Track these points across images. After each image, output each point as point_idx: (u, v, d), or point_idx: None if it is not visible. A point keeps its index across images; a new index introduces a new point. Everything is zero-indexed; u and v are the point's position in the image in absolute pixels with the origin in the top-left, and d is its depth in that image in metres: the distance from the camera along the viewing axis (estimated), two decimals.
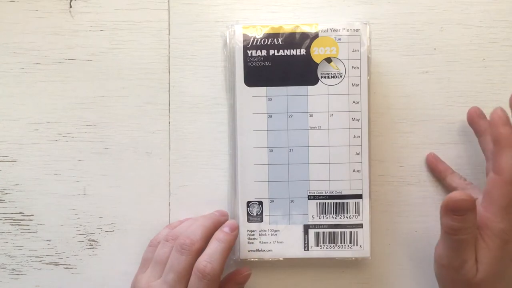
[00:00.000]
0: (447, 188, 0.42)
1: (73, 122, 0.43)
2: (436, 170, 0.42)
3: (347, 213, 0.40)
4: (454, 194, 0.33)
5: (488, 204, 0.35)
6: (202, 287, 0.36)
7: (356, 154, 0.40)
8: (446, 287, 0.37)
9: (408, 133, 0.43)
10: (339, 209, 0.40)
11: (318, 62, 0.40)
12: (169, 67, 0.43)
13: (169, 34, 0.43)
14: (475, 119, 0.41)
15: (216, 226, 0.40)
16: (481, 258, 0.35)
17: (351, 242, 0.40)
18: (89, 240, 0.43)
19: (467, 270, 0.35)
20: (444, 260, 0.36)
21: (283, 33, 0.40)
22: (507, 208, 0.34)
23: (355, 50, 0.40)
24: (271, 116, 0.40)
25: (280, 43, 0.40)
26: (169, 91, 0.43)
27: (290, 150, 0.40)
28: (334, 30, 0.40)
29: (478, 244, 0.35)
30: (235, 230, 0.39)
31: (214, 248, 0.37)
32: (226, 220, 0.41)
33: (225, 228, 0.39)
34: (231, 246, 0.38)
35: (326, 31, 0.40)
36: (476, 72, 0.43)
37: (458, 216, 0.33)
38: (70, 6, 0.43)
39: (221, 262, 0.37)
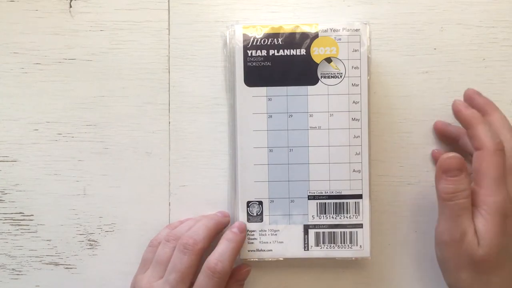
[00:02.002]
0: (461, 152, 0.40)
1: (73, 122, 0.43)
2: (447, 134, 0.42)
3: (347, 213, 0.40)
4: (445, 154, 0.36)
5: (479, 180, 0.35)
6: (211, 285, 0.36)
7: (356, 154, 0.40)
8: (450, 271, 0.37)
9: (408, 133, 0.43)
10: (339, 209, 0.40)
11: (318, 62, 0.40)
12: (169, 67, 0.43)
13: (169, 34, 0.43)
14: (443, 129, 0.42)
15: (218, 227, 0.40)
16: (482, 233, 0.35)
17: (351, 242, 0.40)
18: (89, 240, 0.43)
19: (468, 243, 0.35)
20: (445, 236, 0.36)
21: (283, 33, 0.40)
22: (498, 179, 0.35)
23: (355, 50, 0.40)
24: (271, 116, 0.40)
25: (280, 43, 0.40)
26: (169, 91, 0.43)
27: (290, 150, 0.40)
28: (334, 30, 0.40)
29: (477, 220, 0.35)
30: (244, 231, 0.39)
31: (225, 247, 0.38)
32: (228, 221, 0.41)
33: (235, 229, 0.39)
34: (240, 246, 0.39)
35: (326, 31, 0.40)
36: (476, 72, 0.43)
37: (452, 178, 0.35)
38: (70, 6, 0.43)
39: (230, 261, 0.37)
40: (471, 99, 0.40)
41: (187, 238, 0.37)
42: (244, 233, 0.39)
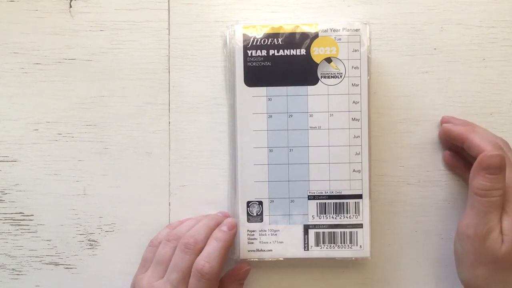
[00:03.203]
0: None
1: (73, 122, 0.43)
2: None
3: (347, 213, 0.40)
4: (488, 152, 0.36)
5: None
6: (201, 287, 0.36)
7: (356, 154, 0.40)
8: (468, 265, 0.37)
9: (408, 133, 0.43)
10: (339, 209, 0.40)
11: (318, 62, 0.40)
12: (169, 67, 0.43)
13: (169, 34, 0.43)
14: (453, 162, 0.42)
15: (217, 223, 0.40)
16: (507, 231, 0.35)
17: (351, 242, 0.40)
18: (89, 240, 0.43)
19: (492, 240, 0.35)
20: (470, 230, 0.36)
21: (283, 33, 0.40)
22: None
23: (355, 50, 0.40)
24: (271, 116, 0.40)
25: (280, 43, 0.40)
26: (169, 91, 0.43)
27: (290, 150, 0.40)
28: (334, 30, 0.40)
29: (504, 218, 0.35)
30: (233, 228, 0.39)
31: (212, 247, 0.37)
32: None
33: (223, 227, 0.39)
34: (229, 244, 0.38)
35: (326, 31, 0.40)
36: (476, 72, 0.43)
37: (490, 176, 0.35)
38: (70, 6, 0.43)
39: (219, 261, 0.37)
40: (451, 122, 0.41)
41: (188, 237, 0.37)
42: (234, 230, 0.39)
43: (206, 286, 0.36)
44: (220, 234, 0.38)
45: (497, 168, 0.35)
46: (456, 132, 0.39)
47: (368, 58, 0.40)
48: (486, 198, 0.35)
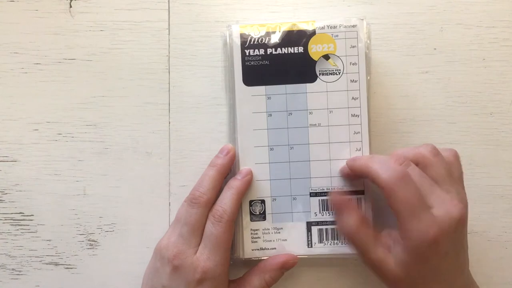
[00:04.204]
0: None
1: (73, 122, 0.43)
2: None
3: None
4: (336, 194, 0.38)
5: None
6: (216, 230, 0.37)
7: (357, 150, 0.40)
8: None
9: (408, 133, 0.43)
10: None
11: (316, 60, 0.40)
12: (169, 67, 0.43)
13: (169, 34, 0.43)
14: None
15: (221, 171, 0.39)
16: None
17: None
18: (89, 240, 0.43)
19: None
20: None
21: (280, 32, 0.40)
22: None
23: (353, 46, 0.40)
24: (270, 115, 0.40)
25: (278, 41, 0.40)
26: (169, 91, 0.43)
27: (291, 148, 0.40)
28: (331, 27, 0.40)
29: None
30: (246, 175, 0.40)
31: (225, 194, 0.39)
32: (230, 160, 0.40)
33: (238, 176, 0.40)
34: (242, 190, 0.39)
35: (323, 28, 0.40)
36: (476, 72, 0.43)
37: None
38: (70, 6, 0.43)
39: (231, 206, 0.38)
40: (353, 160, 0.39)
41: (193, 191, 0.39)
42: (247, 177, 0.39)
43: (221, 230, 0.37)
44: (232, 182, 0.39)
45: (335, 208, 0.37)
46: (356, 167, 0.37)
47: (368, 56, 0.40)
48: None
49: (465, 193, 0.36)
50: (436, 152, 0.36)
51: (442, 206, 0.34)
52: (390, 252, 0.35)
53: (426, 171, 0.35)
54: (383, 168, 0.34)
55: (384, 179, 0.34)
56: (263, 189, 0.40)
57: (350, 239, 0.37)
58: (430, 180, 0.35)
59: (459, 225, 0.34)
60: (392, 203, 0.34)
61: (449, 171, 0.36)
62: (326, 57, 0.40)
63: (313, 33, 0.40)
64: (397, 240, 0.35)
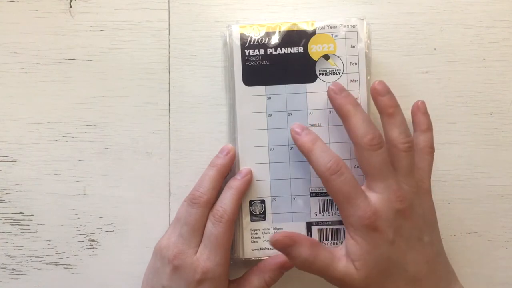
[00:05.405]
0: None
1: (73, 122, 0.43)
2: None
3: None
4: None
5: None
6: (216, 231, 0.37)
7: None
8: None
9: None
10: None
11: (316, 60, 0.40)
12: (169, 67, 0.43)
13: (169, 34, 0.43)
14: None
15: (221, 171, 0.40)
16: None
17: None
18: (89, 240, 0.43)
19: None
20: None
21: (280, 32, 0.40)
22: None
23: (353, 46, 0.40)
24: (270, 115, 0.40)
25: (278, 41, 0.40)
26: (169, 91, 0.43)
27: (291, 148, 0.40)
28: (331, 27, 0.40)
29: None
30: (246, 175, 0.40)
31: (225, 195, 0.39)
32: (230, 160, 0.40)
33: (237, 176, 0.40)
34: (242, 190, 0.39)
35: (323, 28, 0.40)
36: (476, 72, 0.43)
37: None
38: (70, 6, 0.43)
39: (232, 206, 0.38)
40: (299, 133, 0.39)
41: (193, 192, 0.39)
42: (247, 176, 0.40)
43: (221, 230, 0.37)
44: (232, 182, 0.39)
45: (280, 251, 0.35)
46: (301, 142, 0.38)
47: (368, 57, 0.40)
48: None
49: (425, 189, 0.37)
50: (409, 146, 0.36)
51: (384, 193, 0.35)
52: (348, 259, 0.35)
53: (393, 158, 0.36)
54: (320, 159, 0.36)
55: (322, 171, 0.36)
56: (263, 189, 0.40)
57: (310, 270, 0.35)
58: (390, 167, 0.36)
59: (399, 215, 0.35)
60: (330, 193, 0.36)
61: (411, 167, 0.36)
62: (326, 57, 0.40)
63: (313, 33, 0.40)
64: (348, 238, 0.35)
